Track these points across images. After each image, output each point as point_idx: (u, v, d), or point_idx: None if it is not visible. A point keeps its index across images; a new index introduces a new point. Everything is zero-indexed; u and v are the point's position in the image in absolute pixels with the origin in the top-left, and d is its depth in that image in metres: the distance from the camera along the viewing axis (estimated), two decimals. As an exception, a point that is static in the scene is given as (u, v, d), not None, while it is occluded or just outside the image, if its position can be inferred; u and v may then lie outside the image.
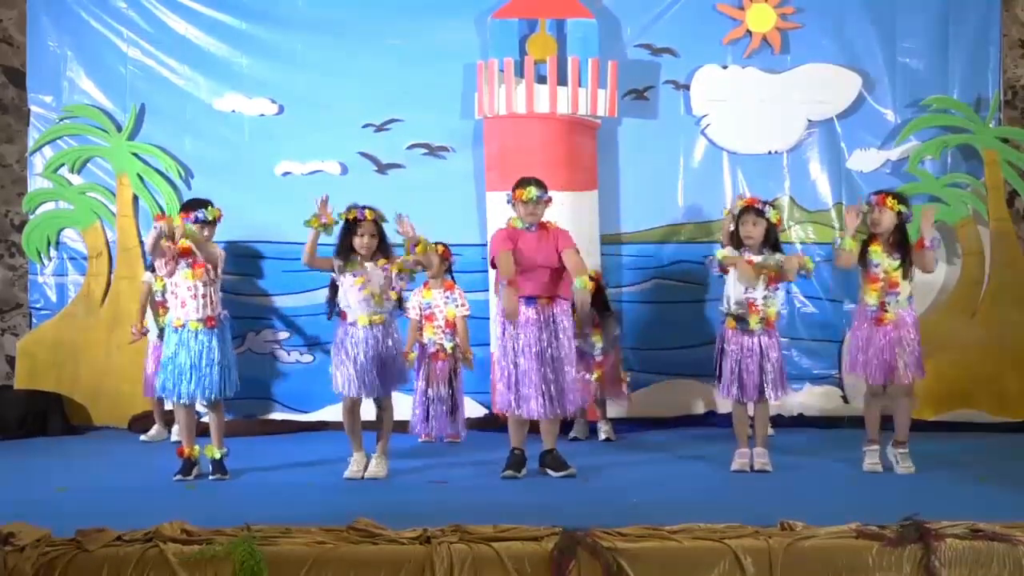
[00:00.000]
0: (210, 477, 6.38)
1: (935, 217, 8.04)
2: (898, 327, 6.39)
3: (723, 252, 6.55)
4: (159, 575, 4.04)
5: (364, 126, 8.33)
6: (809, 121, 8.37)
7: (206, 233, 6.48)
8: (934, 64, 8.36)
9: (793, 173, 8.38)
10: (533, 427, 6.45)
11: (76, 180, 8.43)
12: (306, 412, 8.26)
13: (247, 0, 8.39)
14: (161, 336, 7.23)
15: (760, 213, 6.46)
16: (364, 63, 8.31)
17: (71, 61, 8.40)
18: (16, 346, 8.49)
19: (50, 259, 8.46)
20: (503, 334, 6.35)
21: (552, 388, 6.22)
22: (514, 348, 6.26)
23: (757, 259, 6.43)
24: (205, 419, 6.62)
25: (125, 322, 8.11)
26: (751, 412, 6.60)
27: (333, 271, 6.38)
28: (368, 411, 6.56)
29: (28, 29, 8.48)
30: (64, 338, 8.33)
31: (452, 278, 7.50)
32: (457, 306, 7.35)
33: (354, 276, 6.30)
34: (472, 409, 7.86)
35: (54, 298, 8.46)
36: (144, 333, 7.77)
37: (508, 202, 6.41)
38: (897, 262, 6.40)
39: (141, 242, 8.12)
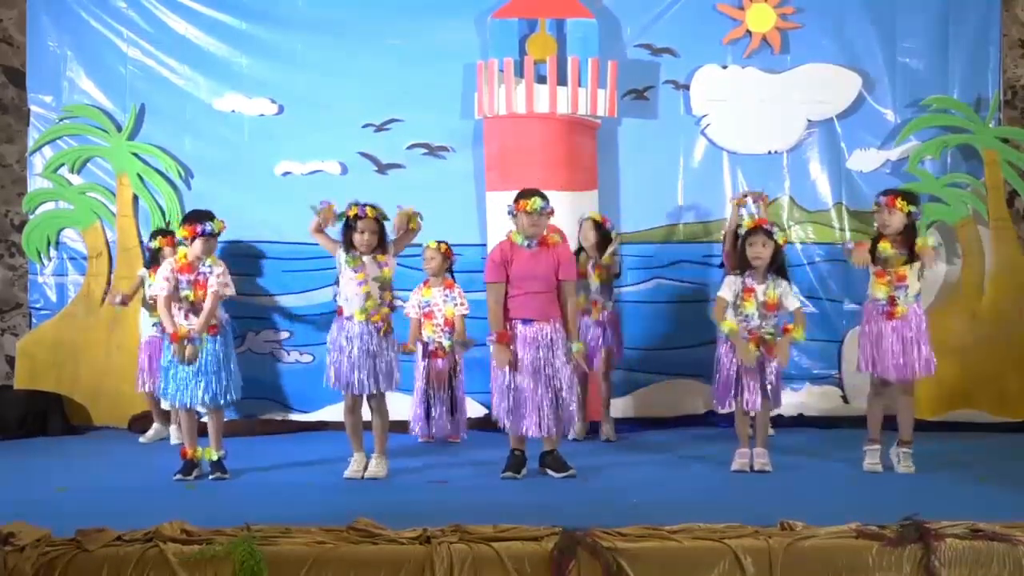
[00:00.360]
0: (210, 477, 6.38)
1: (935, 217, 8.11)
2: (908, 321, 6.39)
3: (729, 325, 6.42)
4: (159, 575, 4.04)
5: (364, 126, 8.33)
6: (809, 121, 8.36)
7: (210, 246, 6.45)
8: (934, 64, 8.36)
9: (793, 173, 8.38)
10: (533, 428, 6.46)
11: (76, 180, 8.43)
12: (306, 412, 8.26)
13: (247, 0, 8.39)
14: (160, 331, 7.28)
15: (769, 235, 6.45)
16: (364, 63, 8.31)
17: (71, 61, 8.39)
18: (16, 346, 8.48)
19: (50, 259, 8.46)
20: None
21: (548, 407, 6.22)
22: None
23: (760, 287, 6.42)
24: (205, 419, 6.62)
25: (125, 322, 8.13)
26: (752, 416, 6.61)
27: (335, 256, 6.41)
28: (369, 411, 6.56)
29: (28, 29, 8.48)
30: (64, 338, 8.33)
31: (452, 277, 7.50)
32: (456, 305, 7.35)
33: (354, 272, 6.32)
34: (472, 409, 7.86)
35: (54, 298, 8.46)
36: (124, 303, 7.79)
37: (510, 214, 6.37)
38: (905, 256, 6.40)
39: (141, 242, 8.12)
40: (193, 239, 6.34)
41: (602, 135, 8.30)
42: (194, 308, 6.34)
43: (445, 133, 8.34)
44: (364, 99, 8.32)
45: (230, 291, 6.47)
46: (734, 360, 6.43)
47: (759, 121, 8.33)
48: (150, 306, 7.37)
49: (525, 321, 6.26)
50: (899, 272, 6.40)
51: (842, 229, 8.35)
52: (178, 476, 6.35)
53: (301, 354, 8.29)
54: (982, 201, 8.26)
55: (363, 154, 8.34)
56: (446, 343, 7.34)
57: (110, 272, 8.35)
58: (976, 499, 5.54)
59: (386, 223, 6.43)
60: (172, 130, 8.39)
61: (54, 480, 6.34)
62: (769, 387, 6.44)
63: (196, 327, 6.30)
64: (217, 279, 6.37)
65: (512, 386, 6.24)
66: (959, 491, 5.91)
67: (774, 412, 6.84)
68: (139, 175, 8.34)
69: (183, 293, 6.34)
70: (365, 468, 6.38)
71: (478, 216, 8.22)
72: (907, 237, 6.44)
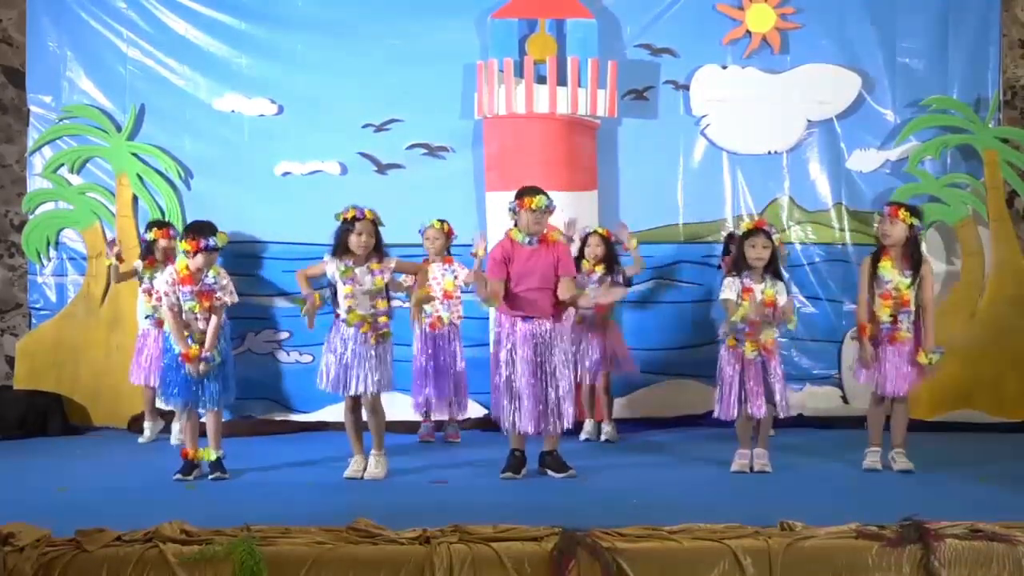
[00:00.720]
0: (209, 477, 6.38)
1: (935, 217, 8.11)
2: (907, 343, 6.41)
3: (743, 309, 6.37)
4: (159, 575, 4.04)
5: (364, 126, 8.33)
6: (809, 121, 8.37)
7: (211, 260, 6.44)
8: (934, 64, 8.36)
9: (793, 173, 8.38)
10: (533, 428, 6.46)
11: (76, 180, 8.42)
12: (306, 412, 8.26)
13: (247, 0, 8.39)
14: (154, 323, 7.36)
15: (769, 236, 6.44)
16: (364, 63, 8.30)
17: (71, 61, 8.39)
18: (16, 346, 8.49)
19: (50, 259, 8.46)
20: (499, 342, 6.35)
21: (546, 404, 6.22)
22: (509, 362, 6.26)
23: (758, 287, 6.41)
24: (203, 418, 6.62)
25: (125, 322, 8.13)
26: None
27: (329, 276, 6.36)
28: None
29: (28, 29, 8.48)
30: (64, 338, 8.33)
31: (450, 253, 7.62)
32: (455, 278, 7.51)
33: (344, 284, 6.29)
34: (472, 409, 7.87)
35: (54, 298, 8.46)
36: (121, 259, 7.82)
37: (511, 210, 6.36)
38: (908, 279, 6.38)
39: (141, 242, 8.11)
40: (195, 253, 6.32)
41: (602, 135, 8.30)
42: (196, 319, 6.34)
43: (445, 133, 8.34)
44: (364, 99, 8.32)
45: (234, 299, 6.49)
46: (737, 367, 6.42)
47: (759, 121, 8.33)
48: (147, 292, 7.48)
49: (524, 318, 6.26)
50: (904, 296, 6.39)
51: (842, 229, 8.36)
52: (178, 476, 6.35)
53: (301, 354, 8.28)
54: (982, 201, 8.26)
55: (363, 154, 8.34)
56: (445, 316, 7.49)
57: (109, 273, 8.34)
58: (976, 499, 5.53)
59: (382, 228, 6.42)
60: (172, 130, 8.39)
61: (54, 480, 6.34)
62: (776, 392, 6.41)
63: (206, 345, 6.31)
64: (223, 290, 6.37)
65: (511, 382, 6.23)
66: (959, 491, 5.90)
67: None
68: (139, 175, 8.34)
69: (186, 305, 6.33)
70: (365, 468, 6.37)
71: (478, 216, 8.22)
72: (908, 252, 6.42)
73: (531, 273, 6.26)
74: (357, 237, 6.27)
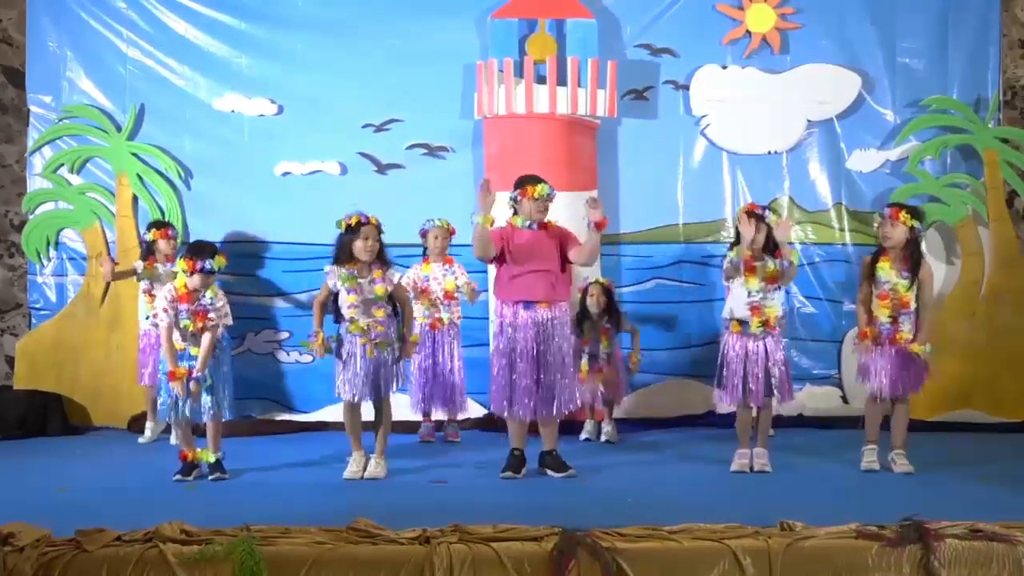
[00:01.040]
0: (209, 477, 6.38)
1: (935, 217, 8.11)
2: (906, 345, 6.41)
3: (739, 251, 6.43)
4: (159, 575, 4.04)
5: (364, 126, 8.33)
6: (809, 121, 8.36)
7: (208, 281, 6.42)
8: (934, 64, 8.36)
9: (793, 173, 8.38)
10: (533, 428, 6.45)
11: (76, 180, 8.42)
12: (306, 412, 8.26)
13: (247, 0, 8.39)
14: (155, 325, 7.33)
15: (761, 218, 6.45)
16: (364, 63, 8.30)
17: (71, 61, 8.39)
18: (16, 346, 8.49)
19: (49, 259, 8.45)
20: (500, 332, 6.35)
21: (545, 391, 6.23)
22: (509, 349, 6.26)
23: (759, 264, 6.41)
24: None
25: (125, 322, 8.13)
26: (755, 414, 6.60)
27: (333, 287, 6.35)
28: (369, 411, 6.55)
29: (28, 29, 8.47)
30: (64, 338, 8.33)
31: (450, 254, 7.62)
32: (456, 277, 7.49)
33: (348, 293, 6.29)
34: (472, 409, 7.87)
35: (54, 298, 8.45)
36: (112, 271, 7.79)
37: (513, 199, 6.36)
38: (907, 281, 6.38)
39: (141, 242, 8.11)
40: (192, 273, 6.33)
41: (602, 135, 8.29)
42: (193, 337, 6.35)
43: (445, 133, 8.34)
44: (364, 99, 8.32)
45: (228, 321, 6.49)
46: (740, 355, 6.42)
47: (759, 121, 8.33)
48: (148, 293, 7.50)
49: (527, 305, 6.25)
50: (903, 298, 6.39)
51: (842, 229, 8.36)
52: (178, 477, 6.35)
53: (301, 354, 8.27)
54: (982, 201, 8.26)
55: (363, 154, 8.34)
56: (445, 316, 7.47)
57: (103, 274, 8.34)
58: (976, 499, 5.53)
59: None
60: (172, 130, 8.39)
61: (54, 480, 6.33)
62: (774, 380, 6.41)
63: (197, 365, 6.32)
64: (218, 312, 6.37)
65: (511, 369, 6.23)
66: (959, 491, 5.90)
67: (776, 411, 6.83)
68: (139, 175, 8.34)
69: (182, 323, 6.33)
70: (364, 468, 6.38)
71: (478, 216, 8.21)
72: (908, 255, 6.41)
73: (531, 255, 6.26)
74: (363, 242, 6.26)
